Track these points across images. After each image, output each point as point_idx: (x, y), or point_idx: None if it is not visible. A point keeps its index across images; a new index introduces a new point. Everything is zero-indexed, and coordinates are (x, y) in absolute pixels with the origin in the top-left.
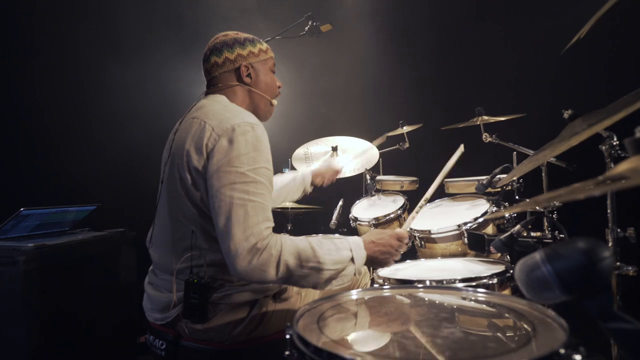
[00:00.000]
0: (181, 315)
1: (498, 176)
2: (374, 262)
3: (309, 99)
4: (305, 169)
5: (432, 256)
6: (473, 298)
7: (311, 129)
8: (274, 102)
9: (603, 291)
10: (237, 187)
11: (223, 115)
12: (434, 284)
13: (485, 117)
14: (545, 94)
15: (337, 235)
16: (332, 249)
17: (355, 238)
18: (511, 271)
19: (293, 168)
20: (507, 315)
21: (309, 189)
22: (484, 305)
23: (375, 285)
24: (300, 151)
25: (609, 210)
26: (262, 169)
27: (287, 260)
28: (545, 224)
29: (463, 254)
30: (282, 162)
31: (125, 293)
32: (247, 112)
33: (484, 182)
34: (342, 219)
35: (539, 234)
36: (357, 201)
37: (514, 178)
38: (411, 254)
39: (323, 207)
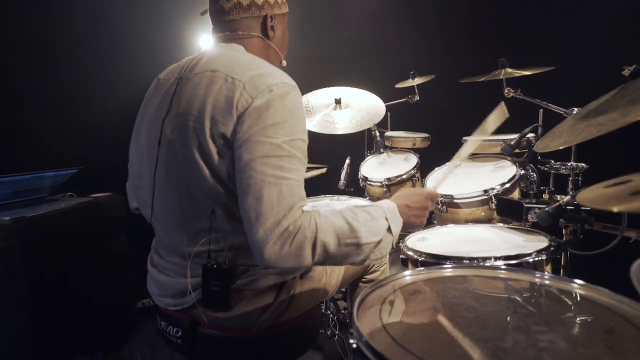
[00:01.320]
0: (199, 303)
1: (528, 136)
2: (408, 227)
3: (311, 46)
4: None
5: (453, 221)
6: (541, 283)
7: (312, 78)
8: (284, 62)
9: None
10: (270, 161)
11: (255, 71)
12: (482, 262)
13: (509, 70)
14: (578, 46)
15: (364, 201)
16: (368, 220)
17: (388, 203)
18: (554, 243)
19: None
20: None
21: None
22: (564, 297)
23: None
24: None
25: None
26: (298, 140)
27: (325, 240)
28: (570, 186)
29: (488, 220)
30: None
31: (119, 262)
32: (280, 70)
33: (512, 142)
34: (350, 178)
35: (562, 197)
36: (365, 159)
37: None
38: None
39: (329, 167)
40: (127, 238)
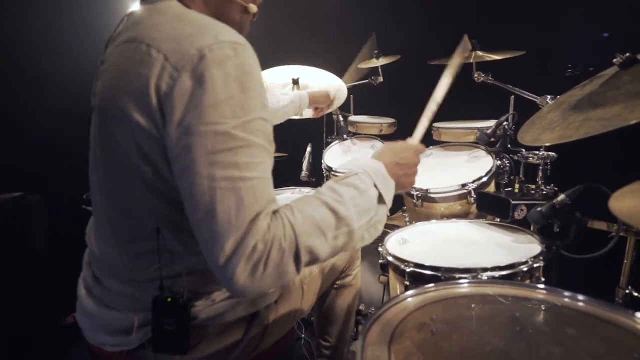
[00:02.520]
0: (149, 344)
1: (504, 124)
2: (399, 189)
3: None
4: (301, 92)
5: (428, 216)
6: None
7: (266, 55)
8: (252, 7)
9: None
10: (219, 159)
11: (180, 31)
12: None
13: (480, 53)
14: (549, 32)
15: (352, 170)
16: (355, 197)
17: (374, 164)
18: (544, 245)
19: None
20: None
21: (303, 113)
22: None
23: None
24: None
25: None
26: (256, 120)
27: (309, 244)
28: (540, 175)
29: (465, 214)
30: None
31: (35, 274)
32: (218, 22)
33: (489, 131)
34: (312, 167)
35: (532, 186)
36: (328, 147)
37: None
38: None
39: (289, 155)
40: (48, 242)
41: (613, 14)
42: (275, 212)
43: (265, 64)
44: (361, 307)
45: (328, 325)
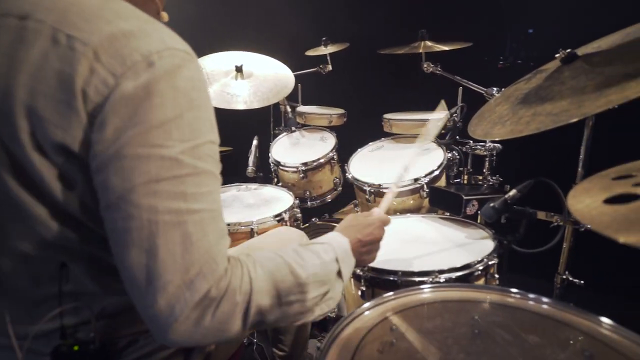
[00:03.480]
0: None
1: (453, 116)
2: (359, 266)
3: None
4: None
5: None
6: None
7: (207, 41)
8: (165, 15)
9: None
10: (163, 188)
11: (116, 25)
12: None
13: (429, 43)
14: (494, 23)
15: (304, 236)
16: (316, 266)
17: (340, 239)
18: (498, 241)
19: None
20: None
21: None
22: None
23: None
24: None
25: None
26: (206, 144)
27: (261, 304)
28: (486, 165)
29: (417, 209)
30: None
31: None
32: (158, 22)
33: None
34: (260, 162)
35: (479, 177)
36: (276, 140)
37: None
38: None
39: (234, 149)
40: None
41: (537, 12)
42: (233, 257)
43: (207, 50)
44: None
45: (282, 334)
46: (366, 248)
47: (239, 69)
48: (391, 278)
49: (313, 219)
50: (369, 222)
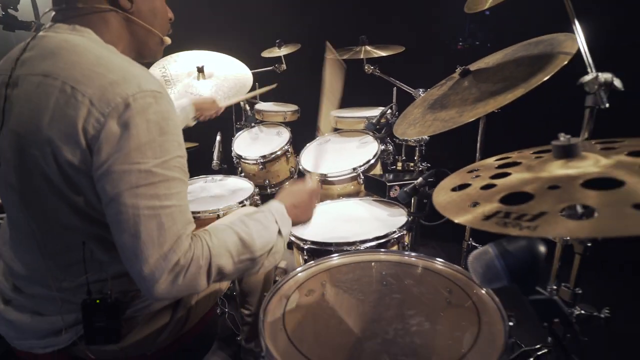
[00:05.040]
0: (80, 341)
1: (387, 114)
2: (297, 224)
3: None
4: (185, 100)
5: (328, 196)
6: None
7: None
8: (167, 40)
9: (536, 277)
10: (142, 192)
11: (104, 78)
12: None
13: (369, 48)
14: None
15: (252, 209)
16: (260, 230)
17: (277, 206)
18: (411, 217)
19: None
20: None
21: (192, 123)
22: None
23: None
24: (155, 72)
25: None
26: (174, 159)
27: (220, 263)
28: (417, 154)
29: (357, 193)
30: None
31: None
32: (139, 67)
33: (374, 121)
34: (222, 156)
35: (411, 164)
36: (237, 135)
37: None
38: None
39: (200, 144)
40: None
41: None
42: (196, 234)
43: (169, 50)
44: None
45: (248, 295)
46: (300, 209)
47: (200, 70)
48: (326, 248)
49: None
50: (301, 191)
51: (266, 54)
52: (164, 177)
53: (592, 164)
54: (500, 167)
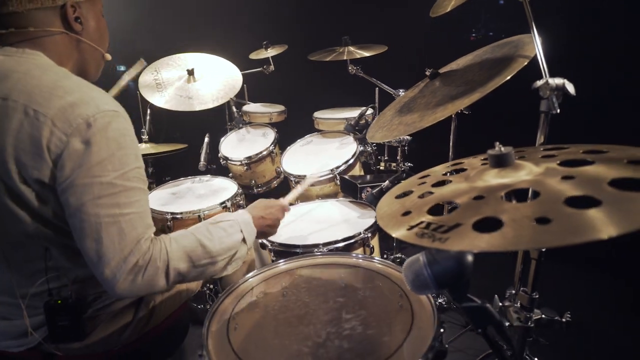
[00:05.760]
0: (46, 341)
1: (366, 115)
2: (262, 236)
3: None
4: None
5: (308, 197)
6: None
7: (158, 47)
8: (108, 56)
9: (465, 285)
10: (103, 202)
11: (63, 98)
12: (324, 250)
13: (352, 49)
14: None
15: (224, 215)
16: (223, 237)
17: (244, 215)
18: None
19: (143, 99)
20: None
21: None
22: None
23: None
24: (148, 77)
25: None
26: (132, 170)
27: (177, 266)
28: (399, 154)
29: (335, 194)
30: (128, 96)
31: None
32: (94, 88)
33: (352, 122)
34: (210, 156)
35: (394, 164)
36: (225, 136)
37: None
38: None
39: (189, 145)
40: None
41: None
42: (156, 238)
43: (159, 53)
44: None
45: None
46: (267, 223)
47: (190, 72)
48: (293, 250)
49: None
50: (271, 205)
51: (254, 55)
52: (123, 188)
53: (525, 173)
54: (446, 173)
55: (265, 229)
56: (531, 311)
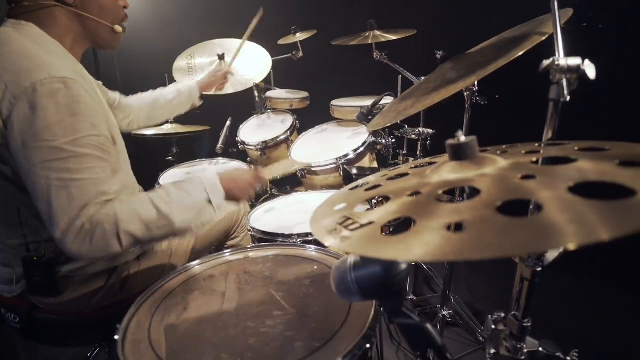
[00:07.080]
0: (27, 291)
1: (382, 102)
2: (232, 199)
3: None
4: (190, 81)
5: (312, 187)
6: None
7: (191, 34)
8: (118, 28)
9: (396, 296)
10: (53, 165)
11: (19, 65)
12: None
13: (378, 33)
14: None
15: (192, 177)
16: (183, 197)
17: (210, 176)
18: None
19: (172, 81)
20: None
21: (198, 102)
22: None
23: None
24: (181, 62)
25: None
26: (86, 137)
27: (128, 229)
28: (419, 148)
29: (340, 186)
30: (158, 78)
31: None
32: (60, 58)
33: (364, 111)
34: (230, 140)
35: (412, 159)
36: (246, 121)
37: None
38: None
39: (211, 128)
40: None
41: None
42: (109, 202)
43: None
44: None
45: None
46: (236, 186)
47: (221, 57)
48: (271, 238)
49: (273, 191)
50: (244, 171)
51: (282, 41)
52: (74, 154)
53: (488, 169)
54: (415, 167)
55: (235, 191)
56: (521, 341)
